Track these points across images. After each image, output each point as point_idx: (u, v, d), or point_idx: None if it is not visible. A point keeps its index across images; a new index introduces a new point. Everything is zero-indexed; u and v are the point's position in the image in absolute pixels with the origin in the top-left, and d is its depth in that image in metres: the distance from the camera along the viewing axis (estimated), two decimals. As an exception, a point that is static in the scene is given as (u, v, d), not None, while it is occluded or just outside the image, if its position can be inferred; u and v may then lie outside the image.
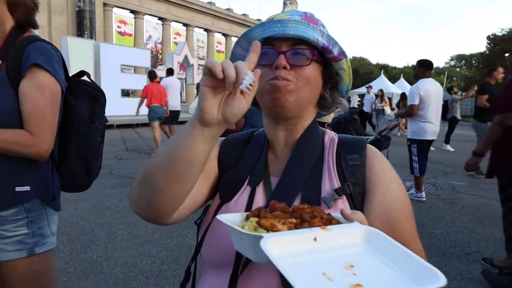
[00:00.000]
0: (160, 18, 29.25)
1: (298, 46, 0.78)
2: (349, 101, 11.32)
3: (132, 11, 26.99)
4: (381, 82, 22.60)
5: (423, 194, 5.16)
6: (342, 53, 0.81)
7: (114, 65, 13.90)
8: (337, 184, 0.80)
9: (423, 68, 4.99)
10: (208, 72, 0.59)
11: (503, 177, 2.95)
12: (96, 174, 1.60)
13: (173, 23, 30.29)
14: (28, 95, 1.28)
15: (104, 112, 1.59)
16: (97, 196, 4.77)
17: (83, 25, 19.41)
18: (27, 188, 1.34)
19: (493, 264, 3.15)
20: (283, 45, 0.78)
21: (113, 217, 4.09)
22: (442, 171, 7.28)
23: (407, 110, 5.12)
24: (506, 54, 3.32)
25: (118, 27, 26.89)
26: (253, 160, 0.88)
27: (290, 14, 0.81)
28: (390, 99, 15.23)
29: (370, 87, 14.96)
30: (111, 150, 8.34)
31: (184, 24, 31.17)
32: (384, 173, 0.81)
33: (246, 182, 0.85)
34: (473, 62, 41.05)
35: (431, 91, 4.92)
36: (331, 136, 0.88)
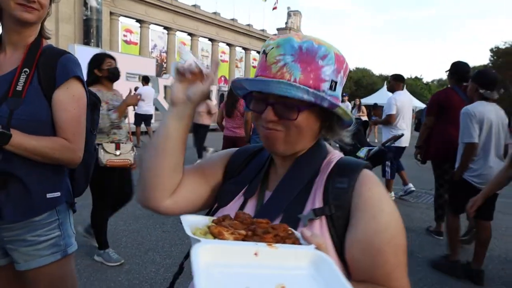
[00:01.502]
0: (165, 28, 29.61)
1: (287, 98, 0.76)
2: (363, 112, 11.39)
3: (138, 20, 27.36)
4: (384, 93, 22.67)
5: (392, 194, 5.83)
6: (333, 104, 0.78)
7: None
8: (318, 205, 0.79)
9: (398, 81, 5.51)
10: (176, 70, 0.85)
11: (433, 161, 4.25)
12: (89, 179, 1.70)
13: (178, 33, 30.63)
14: (65, 105, 1.33)
15: (99, 119, 1.70)
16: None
17: (89, 34, 19.66)
18: (58, 194, 1.39)
19: (431, 231, 4.31)
20: (271, 96, 0.78)
21: (117, 224, 4.10)
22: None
23: (386, 119, 5.53)
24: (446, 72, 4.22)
25: (124, 35, 27.23)
26: (254, 173, 0.93)
27: (283, 52, 0.77)
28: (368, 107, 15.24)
29: (346, 95, 15.00)
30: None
31: (189, 34, 31.52)
32: (372, 200, 0.77)
33: (242, 192, 0.90)
34: (476, 74, 41.16)
35: (405, 102, 5.51)
36: (330, 159, 0.87)
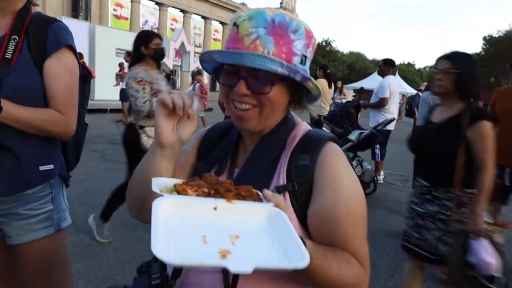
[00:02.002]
0: (157, 3, 28.78)
1: (260, 72, 0.76)
2: (344, 95, 11.35)
3: (128, -6, 26.50)
4: (376, 78, 22.67)
5: (381, 177, 5.87)
6: (306, 77, 0.79)
7: (109, 49, 13.72)
8: (282, 181, 0.82)
9: (388, 66, 5.54)
10: (161, 104, 0.73)
11: None
12: (80, 154, 1.68)
13: (170, 9, 29.85)
14: (58, 75, 1.29)
15: (89, 92, 1.66)
16: (90, 180, 4.75)
17: (78, 6, 19.00)
18: (51, 166, 1.36)
19: None
20: (243, 69, 0.78)
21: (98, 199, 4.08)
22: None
23: (379, 102, 5.51)
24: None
25: (114, 10, 26.42)
26: (224, 150, 0.95)
27: (255, 25, 0.76)
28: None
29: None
30: (104, 134, 8.27)
31: (182, 10, 30.73)
32: (333, 175, 0.79)
33: (213, 171, 0.91)
34: (468, 62, 41.26)
35: (396, 87, 5.61)
36: (295, 134, 0.88)
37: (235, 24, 0.80)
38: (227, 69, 0.82)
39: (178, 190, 0.67)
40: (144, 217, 0.88)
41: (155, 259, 0.87)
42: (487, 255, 1.89)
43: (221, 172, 0.91)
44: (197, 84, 9.74)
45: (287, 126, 0.89)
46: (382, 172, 5.98)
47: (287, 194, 0.81)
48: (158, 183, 0.70)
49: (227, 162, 0.92)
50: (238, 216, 0.63)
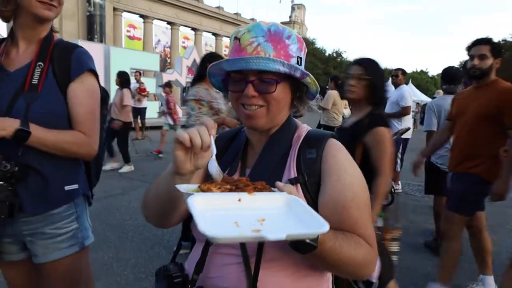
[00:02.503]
0: (169, 23, 29.53)
1: (264, 74, 0.86)
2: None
3: (141, 16, 27.30)
4: (388, 87, 22.45)
5: (399, 187, 5.64)
6: (304, 73, 0.89)
7: (123, 69, 13.98)
8: (293, 175, 0.91)
9: (404, 76, 5.71)
10: (179, 141, 0.76)
11: None
12: (100, 173, 1.72)
13: (181, 28, 30.55)
14: (81, 99, 1.35)
15: (107, 114, 1.71)
16: (107, 198, 4.82)
17: (93, 30, 19.70)
18: (76, 186, 1.41)
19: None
20: (250, 74, 0.87)
21: (123, 218, 4.12)
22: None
23: (402, 111, 5.46)
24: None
25: (128, 31, 27.20)
26: (234, 153, 1.03)
27: (255, 35, 0.87)
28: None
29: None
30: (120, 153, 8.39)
31: (193, 29, 31.43)
32: (337, 165, 0.89)
33: (226, 173, 0.97)
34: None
35: (411, 96, 5.63)
36: (299, 133, 0.98)
37: (236, 38, 0.90)
38: (234, 77, 0.91)
39: (203, 189, 0.73)
40: (164, 226, 1.01)
41: (172, 262, 0.98)
42: None
43: (233, 173, 0.98)
44: (164, 95, 9.97)
45: (291, 127, 0.99)
46: (399, 182, 5.88)
47: (298, 186, 0.89)
48: (183, 187, 0.77)
49: (238, 164, 1.00)
50: (260, 204, 0.71)
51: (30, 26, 1.32)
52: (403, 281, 2.91)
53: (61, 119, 1.32)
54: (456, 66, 4.37)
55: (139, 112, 11.10)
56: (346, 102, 6.89)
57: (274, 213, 0.70)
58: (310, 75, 0.91)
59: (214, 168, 0.80)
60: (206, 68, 3.06)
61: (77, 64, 1.34)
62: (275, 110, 0.91)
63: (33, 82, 1.27)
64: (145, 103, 11.52)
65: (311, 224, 0.65)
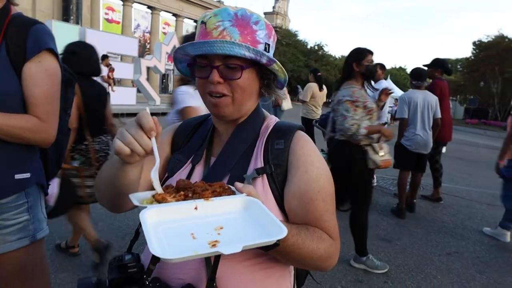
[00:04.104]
0: (149, 7, 28.74)
1: (230, 59, 0.84)
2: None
3: (120, -2, 26.41)
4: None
5: (374, 181, 5.87)
6: (271, 60, 0.86)
7: (100, 53, 13.59)
8: (260, 165, 0.89)
9: (384, 70, 5.88)
10: (117, 153, 0.72)
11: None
12: (62, 161, 1.60)
13: (162, 13, 29.81)
14: (37, 80, 1.23)
15: (73, 97, 1.59)
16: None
17: (69, 10, 18.81)
18: (28, 174, 1.30)
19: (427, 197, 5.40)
20: (215, 59, 0.84)
21: (93, 207, 3.97)
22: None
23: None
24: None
25: (106, 14, 26.31)
26: (200, 141, 1.00)
27: (221, 19, 0.84)
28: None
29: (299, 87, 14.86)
30: (94, 139, 8.14)
31: (174, 14, 30.73)
32: (305, 157, 0.89)
33: (190, 160, 0.97)
34: (458, 67, 41.83)
35: None
36: (268, 123, 0.98)
37: (202, 22, 0.87)
38: (200, 63, 0.87)
39: (157, 200, 0.71)
40: (117, 210, 0.97)
41: (128, 252, 0.93)
42: None
43: (198, 160, 0.96)
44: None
45: (259, 117, 0.98)
46: (374, 176, 5.97)
47: (265, 177, 0.88)
48: (137, 197, 0.75)
49: (203, 152, 0.97)
50: (217, 210, 0.70)
51: None
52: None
53: (14, 102, 1.20)
54: (423, 66, 5.01)
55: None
56: (325, 94, 6.91)
57: (233, 218, 0.69)
58: (277, 62, 0.88)
59: (156, 181, 0.75)
60: (352, 67, 3.01)
61: (34, 42, 1.22)
62: (241, 99, 0.89)
63: None
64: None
65: (269, 228, 0.64)
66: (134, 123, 0.72)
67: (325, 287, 2.76)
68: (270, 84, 0.94)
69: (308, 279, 1.12)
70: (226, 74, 0.85)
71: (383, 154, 2.96)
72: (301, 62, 40.81)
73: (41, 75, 1.24)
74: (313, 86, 6.63)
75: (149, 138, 0.71)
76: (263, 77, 0.91)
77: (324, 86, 6.86)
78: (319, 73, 6.85)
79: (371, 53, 2.97)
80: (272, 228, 0.64)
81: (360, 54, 2.96)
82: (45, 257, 1.43)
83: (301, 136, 0.94)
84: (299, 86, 8.24)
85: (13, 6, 1.30)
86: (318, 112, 6.74)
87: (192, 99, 2.31)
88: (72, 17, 18.53)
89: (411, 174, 4.70)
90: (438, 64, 5.03)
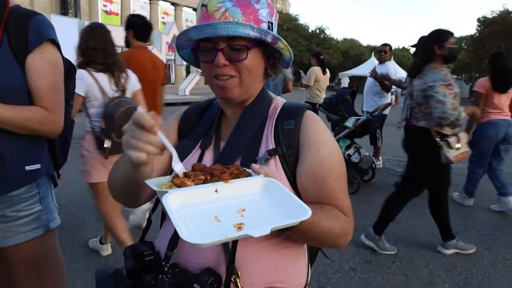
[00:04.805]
0: (147, -3, 28.40)
1: (234, 41, 0.82)
2: (339, 82, 11.27)
3: (118, -11, 26.14)
4: (372, 64, 22.56)
5: (380, 162, 5.93)
6: (276, 38, 0.85)
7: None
8: (272, 146, 0.89)
9: (390, 52, 5.78)
10: (136, 163, 0.70)
11: None
12: (68, 152, 1.63)
13: (161, 2, 29.50)
14: (41, 71, 1.24)
15: (75, 89, 1.60)
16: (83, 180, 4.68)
17: (67, 3, 18.72)
18: (38, 166, 1.32)
19: None
20: (219, 41, 0.83)
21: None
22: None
23: (385, 87, 5.56)
24: None
25: (104, 5, 26.09)
26: (207, 125, 0.99)
27: (222, 0, 0.82)
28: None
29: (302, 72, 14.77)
30: (99, 132, 8.18)
31: (172, 3, 30.39)
32: (316, 136, 0.89)
33: (198, 145, 0.96)
34: (463, 44, 41.14)
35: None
36: (275, 105, 0.97)
37: (203, 5, 0.85)
38: (204, 47, 0.86)
39: (176, 184, 0.70)
40: (133, 205, 1.00)
41: (141, 241, 0.94)
42: None
43: (207, 145, 0.95)
44: None
45: (266, 98, 0.97)
46: (380, 158, 5.96)
47: (277, 158, 0.88)
48: (154, 182, 0.74)
49: (212, 136, 0.96)
50: (238, 192, 0.69)
51: None
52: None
53: (19, 94, 1.22)
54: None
55: None
56: (328, 77, 6.85)
57: (254, 200, 0.69)
58: (282, 39, 0.87)
59: (180, 173, 0.74)
60: (433, 49, 2.77)
61: (35, 33, 1.22)
62: (248, 80, 0.87)
63: None
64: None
65: (292, 209, 0.64)
66: (134, 127, 0.68)
67: (334, 268, 2.79)
68: (276, 63, 0.92)
69: (318, 258, 1.13)
70: (232, 56, 0.83)
71: (459, 146, 2.79)
72: (302, 46, 40.33)
73: (44, 66, 1.24)
74: (316, 70, 6.55)
75: (156, 134, 0.68)
76: (269, 57, 0.90)
77: (327, 70, 6.79)
78: (322, 57, 6.76)
79: (452, 34, 2.81)
80: (295, 208, 0.64)
81: (442, 36, 2.78)
82: (58, 247, 1.46)
83: (311, 116, 0.93)
84: (301, 71, 8.16)
85: None
86: (322, 96, 6.68)
87: (79, 85, 2.16)
88: (70, 11, 18.44)
89: None
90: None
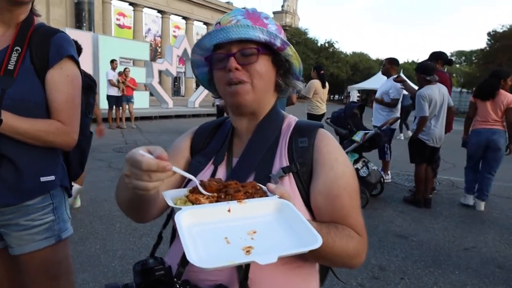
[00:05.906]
0: (159, 11, 29.05)
1: (245, 44, 0.86)
2: (348, 96, 11.30)
3: (131, 4, 26.80)
4: (381, 78, 22.51)
5: (389, 177, 5.95)
6: (285, 43, 0.89)
7: (112, 58, 13.82)
8: (285, 163, 0.90)
9: (393, 65, 5.73)
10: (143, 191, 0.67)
11: None
12: (85, 163, 1.67)
13: (172, 16, 30.09)
14: (60, 85, 1.30)
15: (95, 102, 1.64)
16: (95, 189, 4.75)
17: (81, 17, 19.21)
18: (52, 177, 1.36)
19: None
20: (232, 48, 0.87)
21: (111, 209, 4.07)
22: (441, 167, 7.27)
23: (393, 102, 5.58)
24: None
25: (117, 19, 26.72)
26: (219, 143, 1.01)
27: (234, 14, 0.90)
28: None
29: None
30: (110, 143, 8.30)
31: (184, 17, 30.98)
32: (329, 154, 0.90)
33: (211, 161, 0.97)
34: (473, 58, 40.83)
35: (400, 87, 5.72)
36: (289, 122, 0.98)
37: (217, 23, 0.92)
38: (217, 56, 0.90)
39: (191, 201, 0.72)
40: (143, 221, 0.99)
41: (151, 256, 0.92)
42: None
43: (220, 162, 0.96)
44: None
45: (278, 115, 0.99)
46: (389, 172, 5.92)
47: (291, 175, 0.88)
48: (169, 195, 0.75)
49: (225, 152, 0.97)
50: (251, 213, 0.69)
51: (7, 9, 1.25)
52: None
53: (38, 108, 1.27)
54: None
55: (120, 100, 11.36)
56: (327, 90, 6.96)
57: (266, 222, 0.69)
58: (291, 45, 0.90)
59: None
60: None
61: (56, 50, 1.29)
62: (259, 85, 0.89)
63: (8, 68, 1.21)
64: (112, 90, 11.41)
65: (303, 235, 0.64)
66: (140, 172, 0.65)
67: (341, 284, 2.76)
68: (287, 74, 0.95)
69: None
70: (243, 60, 0.87)
71: None
72: (311, 60, 40.47)
73: (63, 81, 1.30)
74: (315, 82, 6.69)
75: (170, 171, 0.65)
76: (278, 66, 0.93)
77: (326, 83, 6.91)
78: (322, 71, 6.87)
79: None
80: (306, 235, 0.64)
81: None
82: (69, 256, 1.49)
83: (324, 134, 0.94)
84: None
85: (36, 17, 1.36)
86: (322, 108, 6.80)
87: None
88: (84, 24, 18.90)
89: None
90: (437, 57, 5.03)
